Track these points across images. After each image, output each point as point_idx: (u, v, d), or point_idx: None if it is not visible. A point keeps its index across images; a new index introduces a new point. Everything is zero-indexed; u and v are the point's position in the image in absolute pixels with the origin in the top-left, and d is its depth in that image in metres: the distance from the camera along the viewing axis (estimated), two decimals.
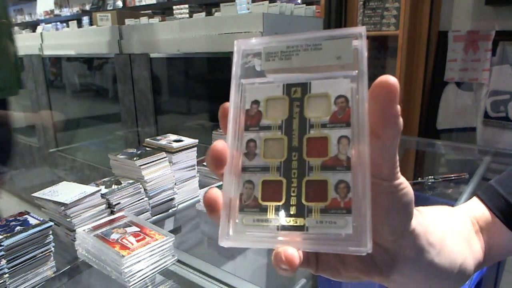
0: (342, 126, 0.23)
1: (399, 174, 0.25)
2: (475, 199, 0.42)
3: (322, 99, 0.24)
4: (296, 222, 0.22)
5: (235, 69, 0.26)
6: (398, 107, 0.22)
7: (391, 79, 0.22)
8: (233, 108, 0.25)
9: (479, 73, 1.95)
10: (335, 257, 0.28)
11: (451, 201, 0.99)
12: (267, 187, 0.23)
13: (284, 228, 0.22)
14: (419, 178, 1.15)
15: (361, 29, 0.24)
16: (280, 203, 0.23)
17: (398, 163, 0.24)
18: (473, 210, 0.41)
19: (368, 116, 0.23)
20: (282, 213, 0.23)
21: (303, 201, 0.22)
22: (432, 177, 1.14)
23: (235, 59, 0.26)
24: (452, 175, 1.14)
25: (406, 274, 0.29)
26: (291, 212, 0.22)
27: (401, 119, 0.23)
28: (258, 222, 0.23)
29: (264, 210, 0.23)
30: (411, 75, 2.21)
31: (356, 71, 0.24)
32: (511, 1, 1.81)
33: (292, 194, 0.23)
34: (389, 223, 0.25)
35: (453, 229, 0.36)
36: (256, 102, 0.25)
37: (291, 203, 0.23)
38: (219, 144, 0.24)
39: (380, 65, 3.02)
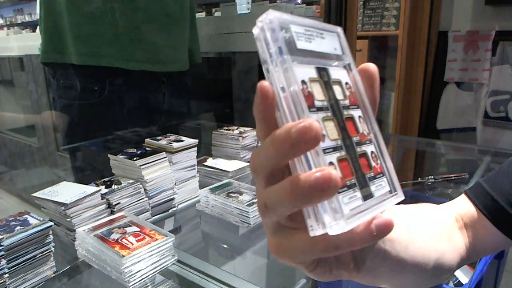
0: (356, 107, 0.27)
1: None
2: (463, 196, 0.43)
3: (338, 84, 0.26)
4: (368, 191, 0.25)
5: (277, 43, 0.23)
6: (378, 86, 0.28)
7: (371, 65, 0.28)
8: (295, 86, 0.23)
9: (479, 73, 1.95)
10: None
11: None
12: (341, 165, 0.24)
13: (365, 198, 0.25)
14: (419, 178, 1.15)
15: (338, 28, 0.28)
16: (354, 178, 0.25)
17: None
18: (458, 207, 0.42)
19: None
20: (358, 186, 0.25)
21: (364, 172, 0.26)
22: (432, 177, 1.13)
23: (275, 32, 0.23)
24: (452, 175, 1.14)
25: (371, 269, 0.30)
26: (363, 184, 0.25)
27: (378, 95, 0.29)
28: (351, 199, 0.24)
29: (350, 187, 0.24)
30: (411, 75, 2.21)
31: (348, 62, 0.28)
32: (511, 1, 1.81)
33: (357, 168, 0.25)
34: None
35: (429, 225, 0.37)
36: (303, 82, 0.24)
37: (359, 176, 0.25)
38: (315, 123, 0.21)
39: (380, 65, 3.02)
